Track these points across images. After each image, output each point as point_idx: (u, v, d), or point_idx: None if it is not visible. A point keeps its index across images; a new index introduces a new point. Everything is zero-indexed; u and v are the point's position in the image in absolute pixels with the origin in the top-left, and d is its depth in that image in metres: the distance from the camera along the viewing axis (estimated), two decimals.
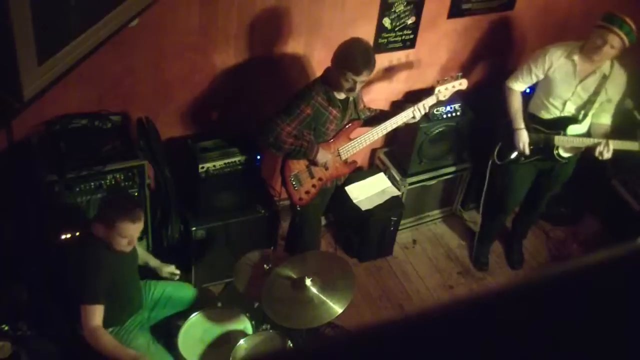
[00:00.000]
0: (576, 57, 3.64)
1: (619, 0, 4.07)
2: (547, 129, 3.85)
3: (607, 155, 3.68)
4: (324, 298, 3.06)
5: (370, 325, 0.54)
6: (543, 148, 3.88)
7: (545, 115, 3.86)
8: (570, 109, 3.78)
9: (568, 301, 0.52)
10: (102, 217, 2.93)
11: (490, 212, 4.47)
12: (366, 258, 4.52)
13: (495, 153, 4.02)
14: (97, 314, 2.89)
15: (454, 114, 4.31)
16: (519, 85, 3.88)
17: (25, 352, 2.94)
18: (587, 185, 4.43)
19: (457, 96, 3.90)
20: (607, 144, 3.66)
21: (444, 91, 3.60)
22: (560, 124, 3.82)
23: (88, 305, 2.89)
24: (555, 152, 3.88)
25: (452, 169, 4.62)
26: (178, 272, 3.41)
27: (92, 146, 3.31)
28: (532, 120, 3.89)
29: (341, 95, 3.44)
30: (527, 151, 3.87)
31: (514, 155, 3.95)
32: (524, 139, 3.85)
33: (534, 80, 3.83)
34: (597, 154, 3.69)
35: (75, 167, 3.19)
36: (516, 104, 3.89)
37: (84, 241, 3.02)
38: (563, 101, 3.76)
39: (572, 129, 3.81)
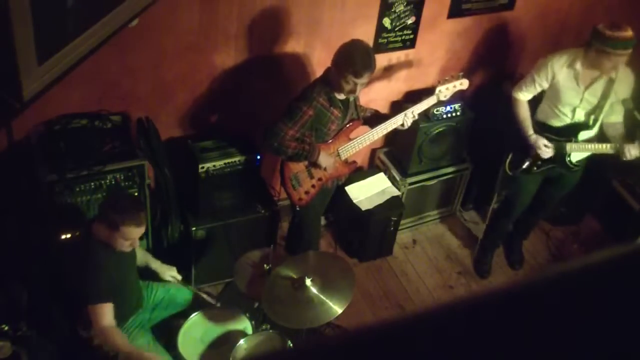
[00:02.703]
0: (578, 66, 3.57)
1: (618, 0, 4.07)
2: (557, 137, 3.80)
3: (635, 152, 3.61)
4: (324, 298, 3.06)
5: (370, 325, 0.54)
6: (555, 156, 3.83)
7: (556, 123, 3.80)
8: (580, 116, 3.73)
9: (568, 301, 0.52)
10: (104, 218, 2.89)
11: (496, 219, 4.47)
12: (366, 258, 4.52)
13: (507, 164, 3.98)
14: (106, 312, 2.89)
15: (454, 114, 4.31)
16: (524, 95, 3.82)
17: (25, 352, 2.94)
18: (587, 185, 4.42)
19: (457, 96, 3.90)
20: (624, 147, 3.61)
21: (445, 91, 3.60)
22: (571, 131, 3.78)
23: (96, 305, 2.88)
24: (567, 159, 3.84)
25: (452, 169, 4.62)
26: (180, 276, 3.41)
27: (92, 146, 3.30)
28: (541, 129, 3.83)
29: (341, 96, 3.44)
30: (549, 153, 3.78)
31: (525, 165, 3.90)
32: (541, 141, 3.76)
33: (539, 89, 3.78)
34: (623, 157, 3.64)
35: (75, 167, 3.19)
36: (523, 113, 3.83)
37: (84, 241, 3.02)
38: (572, 108, 3.71)
39: (583, 135, 3.78)
